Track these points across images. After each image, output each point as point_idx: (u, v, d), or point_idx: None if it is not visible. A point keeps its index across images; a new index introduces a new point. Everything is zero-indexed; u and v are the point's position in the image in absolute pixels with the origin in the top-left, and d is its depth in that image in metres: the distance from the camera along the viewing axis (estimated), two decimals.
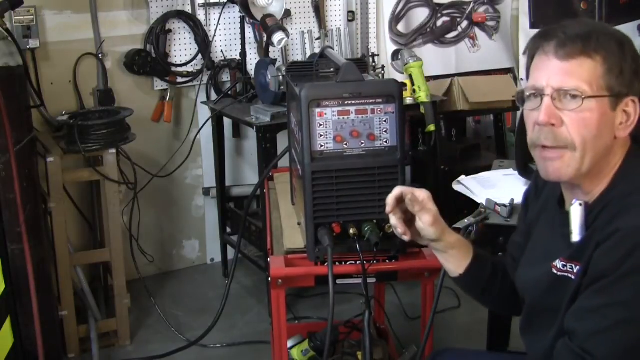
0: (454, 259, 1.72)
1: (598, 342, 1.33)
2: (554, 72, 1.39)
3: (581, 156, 1.39)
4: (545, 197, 1.61)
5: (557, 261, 1.46)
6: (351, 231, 1.84)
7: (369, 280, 1.89)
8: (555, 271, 1.46)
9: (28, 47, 3.13)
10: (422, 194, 1.67)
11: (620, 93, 1.39)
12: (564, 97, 1.38)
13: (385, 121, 1.84)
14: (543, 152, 1.43)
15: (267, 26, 3.23)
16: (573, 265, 1.42)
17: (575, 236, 1.42)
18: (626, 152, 1.44)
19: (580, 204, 1.42)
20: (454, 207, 3.65)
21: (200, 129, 3.63)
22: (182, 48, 3.60)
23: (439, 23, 4.22)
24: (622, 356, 1.33)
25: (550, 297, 1.48)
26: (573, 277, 1.42)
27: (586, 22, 1.47)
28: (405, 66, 3.37)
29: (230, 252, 3.71)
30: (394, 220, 1.67)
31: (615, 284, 1.32)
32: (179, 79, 3.61)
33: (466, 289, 1.80)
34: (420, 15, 4.15)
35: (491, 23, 4.36)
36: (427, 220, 1.65)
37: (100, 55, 3.38)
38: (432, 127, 3.31)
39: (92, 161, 2.97)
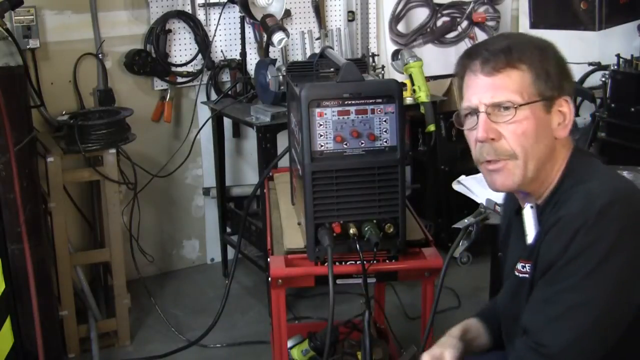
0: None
1: (552, 331, 1.34)
2: (484, 88, 1.43)
3: (524, 163, 1.43)
4: (509, 214, 1.65)
5: (518, 264, 1.50)
6: (351, 231, 1.84)
7: (369, 280, 1.89)
8: (517, 274, 1.50)
9: (28, 47, 3.13)
10: None
11: (551, 96, 1.43)
12: (498, 111, 1.42)
13: (385, 121, 1.84)
14: (487, 165, 1.48)
15: (267, 26, 3.23)
16: (529, 265, 1.46)
17: (530, 238, 1.46)
18: (570, 152, 1.48)
19: (532, 207, 1.47)
20: (454, 207, 3.70)
21: (200, 129, 3.63)
22: (182, 48, 3.60)
23: (439, 23, 4.21)
24: (576, 342, 1.33)
25: (513, 303, 1.51)
26: (528, 277, 1.45)
27: (506, 35, 1.54)
28: (405, 66, 3.37)
29: (230, 252, 3.71)
30: None
31: (562, 270, 1.33)
32: (179, 79, 3.60)
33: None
34: (420, 15, 4.15)
35: (491, 23, 4.36)
36: None
37: (100, 55, 3.38)
38: (432, 127, 3.32)
39: (92, 161, 2.97)
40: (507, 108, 1.41)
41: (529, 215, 1.47)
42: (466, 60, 1.48)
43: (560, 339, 1.33)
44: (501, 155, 1.44)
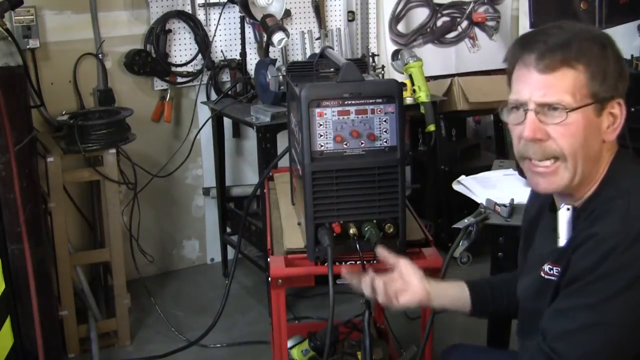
0: (455, 307, 1.74)
1: (565, 342, 1.34)
2: (536, 85, 1.37)
3: (573, 166, 1.39)
4: (541, 203, 1.62)
5: (546, 265, 1.47)
6: (351, 231, 1.84)
7: None
8: (543, 274, 1.48)
9: (28, 47, 3.13)
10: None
11: (605, 98, 1.38)
12: (548, 110, 1.37)
13: (385, 121, 1.84)
14: (533, 165, 1.42)
15: (267, 26, 3.23)
16: (558, 269, 1.43)
17: (562, 240, 1.43)
18: (613, 156, 1.44)
19: (568, 209, 1.44)
20: (454, 207, 3.70)
21: (200, 129, 3.63)
22: (182, 48, 3.60)
23: (439, 23, 4.22)
24: (589, 358, 1.33)
25: (537, 301, 1.49)
26: (555, 280, 1.43)
27: (566, 26, 1.42)
28: (405, 66, 3.37)
29: (230, 252, 3.71)
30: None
31: (586, 287, 1.32)
32: (179, 79, 3.61)
33: (479, 317, 1.84)
34: (420, 15, 4.15)
35: (491, 23, 4.36)
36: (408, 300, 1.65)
37: (100, 55, 3.38)
38: (432, 127, 3.31)
39: (92, 161, 2.97)
40: (556, 109, 1.36)
41: (564, 217, 1.43)
42: (521, 51, 1.40)
43: (571, 352, 1.33)
44: (548, 155, 1.39)
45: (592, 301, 1.31)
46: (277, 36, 3.19)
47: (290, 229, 2.14)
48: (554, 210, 1.51)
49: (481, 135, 4.54)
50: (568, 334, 1.34)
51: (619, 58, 1.40)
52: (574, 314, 1.33)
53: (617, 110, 1.40)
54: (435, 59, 4.15)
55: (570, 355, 1.33)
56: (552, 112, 1.36)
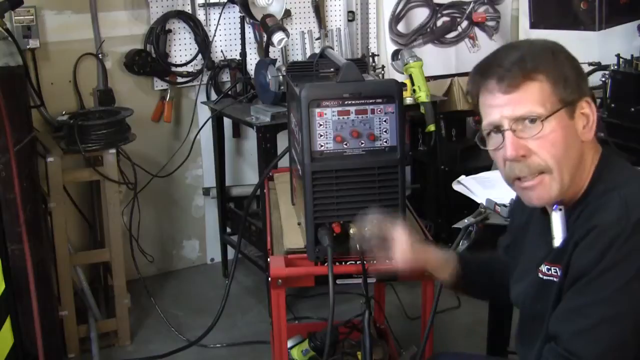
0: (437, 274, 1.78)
1: (583, 341, 1.32)
2: (504, 104, 1.39)
3: (559, 174, 1.39)
4: (529, 210, 1.61)
5: (543, 265, 1.46)
6: (351, 231, 1.84)
7: (369, 280, 1.89)
8: (541, 275, 1.47)
9: (28, 47, 3.13)
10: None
11: (572, 100, 1.39)
12: (523, 125, 1.38)
13: (385, 121, 1.84)
14: (520, 183, 1.43)
15: (267, 26, 3.23)
16: (557, 269, 1.42)
17: (557, 241, 1.43)
18: (599, 155, 1.45)
19: (560, 209, 1.43)
20: (454, 207, 3.70)
21: (200, 129, 3.63)
22: (182, 48, 3.61)
23: (439, 23, 4.22)
24: (610, 353, 1.31)
25: (538, 304, 1.48)
26: (556, 280, 1.42)
27: (516, 44, 1.47)
28: (405, 66, 3.37)
29: (230, 252, 3.71)
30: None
31: (595, 281, 1.31)
32: (179, 79, 3.61)
33: (464, 290, 1.85)
34: (420, 15, 4.15)
35: (491, 23, 4.36)
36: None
37: (100, 55, 3.38)
38: (432, 127, 3.32)
39: (92, 161, 2.98)
40: (532, 121, 1.36)
41: (557, 218, 1.43)
42: (480, 79, 1.42)
43: (592, 350, 1.31)
44: (535, 170, 1.39)
45: (604, 295, 1.30)
46: (277, 36, 3.19)
47: (290, 229, 2.14)
48: (545, 213, 1.50)
49: None
50: (585, 332, 1.32)
51: (572, 59, 1.42)
52: (587, 310, 1.31)
53: (588, 110, 1.41)
54: (435, 59, 4.15)
55: (592, 353, 1.31)
56: (528, 125, 1.37)
